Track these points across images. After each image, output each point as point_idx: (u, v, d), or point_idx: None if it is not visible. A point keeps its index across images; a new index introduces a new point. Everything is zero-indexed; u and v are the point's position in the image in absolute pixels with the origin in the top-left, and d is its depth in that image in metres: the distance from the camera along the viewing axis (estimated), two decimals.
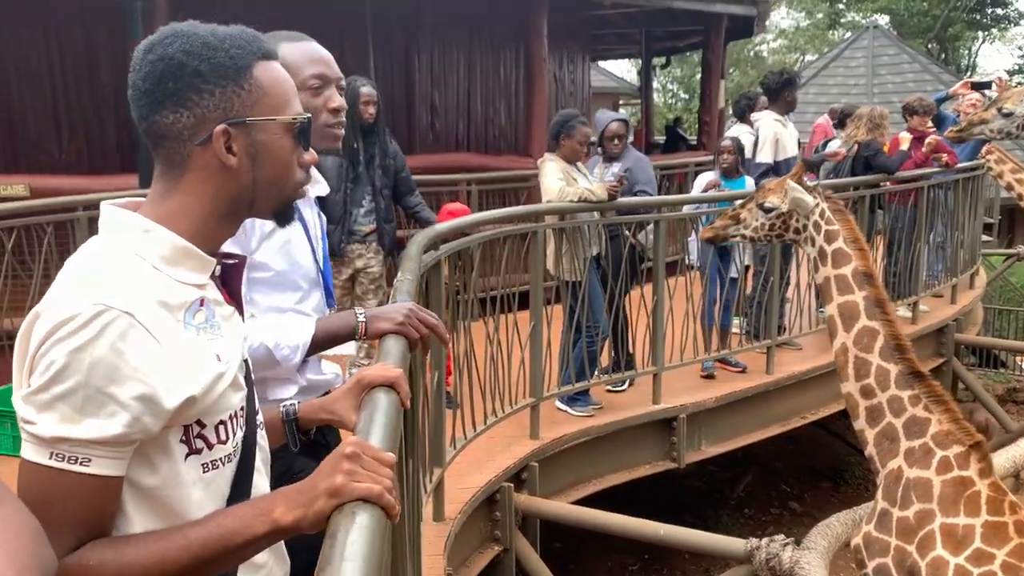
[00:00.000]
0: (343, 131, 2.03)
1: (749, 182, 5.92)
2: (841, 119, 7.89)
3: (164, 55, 1.17)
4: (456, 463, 4.18)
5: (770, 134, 6.13)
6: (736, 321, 6.08)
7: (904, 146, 6.50)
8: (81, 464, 1.05)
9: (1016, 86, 6.95)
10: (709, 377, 5.74)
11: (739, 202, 3.91)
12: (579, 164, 5.09)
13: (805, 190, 3.57)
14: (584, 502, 4.81)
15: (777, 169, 6.11)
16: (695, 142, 12.43)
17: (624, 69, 26.43)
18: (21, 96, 7.24)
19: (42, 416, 1.04)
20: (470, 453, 4.33)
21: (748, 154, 6.33)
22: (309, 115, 1.30)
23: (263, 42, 1.26)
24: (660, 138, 16.00)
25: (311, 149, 1.30)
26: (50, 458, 1.04)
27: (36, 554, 0.80)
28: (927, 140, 6.77)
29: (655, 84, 24.75)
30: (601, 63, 22.11)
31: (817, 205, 3.55)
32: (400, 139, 8.91)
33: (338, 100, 1.98)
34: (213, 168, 1.20)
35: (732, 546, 3.94)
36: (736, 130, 6.58)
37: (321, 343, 1.84)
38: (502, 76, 9.98)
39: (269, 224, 1.87)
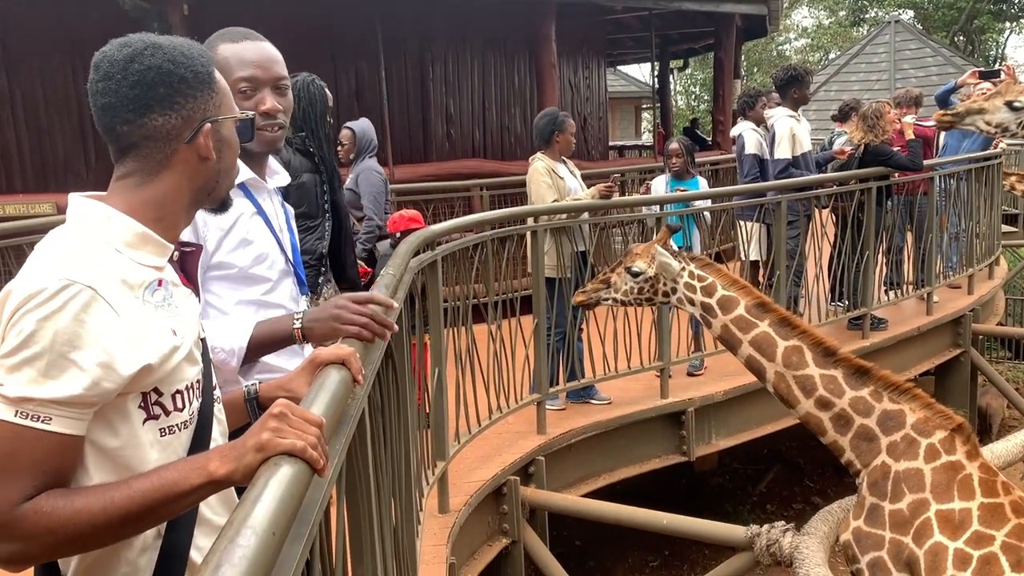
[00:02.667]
0: (280, 132, 2.07)
1: (702, 183, 6.01)
2: (842, 113, 7.89)
3: (152, 65, 1.34)
4: (463, 458, 4.30)
5: (786, 130, 6.16)
6: None
7: (909, 132, 6.49)
8: (43, 422, 1.18)
9: None
10: (693, 375, 5.80)
11: (611, 266, 3.94)
12: (567, 161, 5.24)
13: (671, 254, 3.64)
14: (599, 497, 4.88)
15: (796, 163, 6.16)
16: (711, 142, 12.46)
17: (646, 73, 26.41)
18: (49, 120, 7.54)
19: (10, 378, 1.18)
20: (477, 449, 4.44)
21: (752, 150, 6.38)
22: (253, 113, 1.53)
23: (209, 50, 1.48)
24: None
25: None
26: (15, 415, 1.18)
27: None
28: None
29: (677, 87, 24.68)
30: (621, 67, 22.16)
31: (683, 268, 3.62)
32: (415, 148, 9.13)
33: (269, 102, 2.02)
34: (193, 162, 1.39)
35: (733, 533, 3.99)
36: (740, 127, 6.63)
37: (261, 347, 1.87)
38: (516, 83, 10.11)
39: (226, 221, 1.94)
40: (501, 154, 9.83)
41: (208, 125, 1.38)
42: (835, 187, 6.30)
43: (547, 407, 4.87)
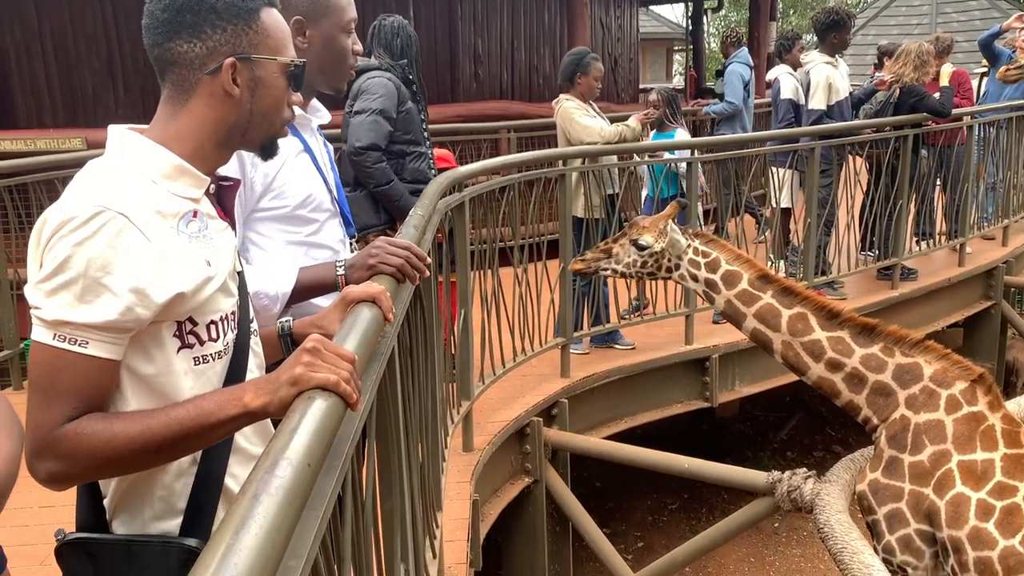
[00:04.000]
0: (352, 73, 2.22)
1: (680, 134, 5.80)
2: (880, 57, 7.68)
3: None
4: (488, 399, 4.35)
5: (822, 79, 5.98)
6: (779, 265, 6.07)
7: (944, 81, 6.32)
8: (80, 345, 1.21)
9: None
10: (718, 323, 5.76)
11: (612, 236, 3.87)
12: (592, 104, 5.16)
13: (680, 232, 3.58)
14: (620, 440, 4.92)
15: (831, 114, 6.02)
16: None
17: (679, 13, 25.83)
18: (79, 54, 7.53)
19: (47, 302, 1.21)
20: (501, 391, 4.49)
21: (788, 95, 6.25)
22: (304, 60, 1.49)
23: None
24: (711, 84, 15.69)
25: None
26: (54, 339, 1.21)
27: (17, 422, 0.94)
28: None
29: (710, 29, 24.12)
30: (654, 7, 21.65)
31: (689, 245, 3.56)
32: (443, 89, 9.03)
33: (359, 44, 2.19)
34: (217, 96, 1.37)
35: (754, 479, 4.02)
36: (776, 71, 6.49)
37: (303, 293, 1.90)
38: (546, 22, 9.93)
39: (277, 161, 1.95)
40: (529, 95, 9.71)
41: (232, 60, 1.35)
42: (870, 133, 6.16)
43: (571, 351, 4.89)
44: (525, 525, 4.46)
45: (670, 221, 3.60)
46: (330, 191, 2.12)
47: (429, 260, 1.95)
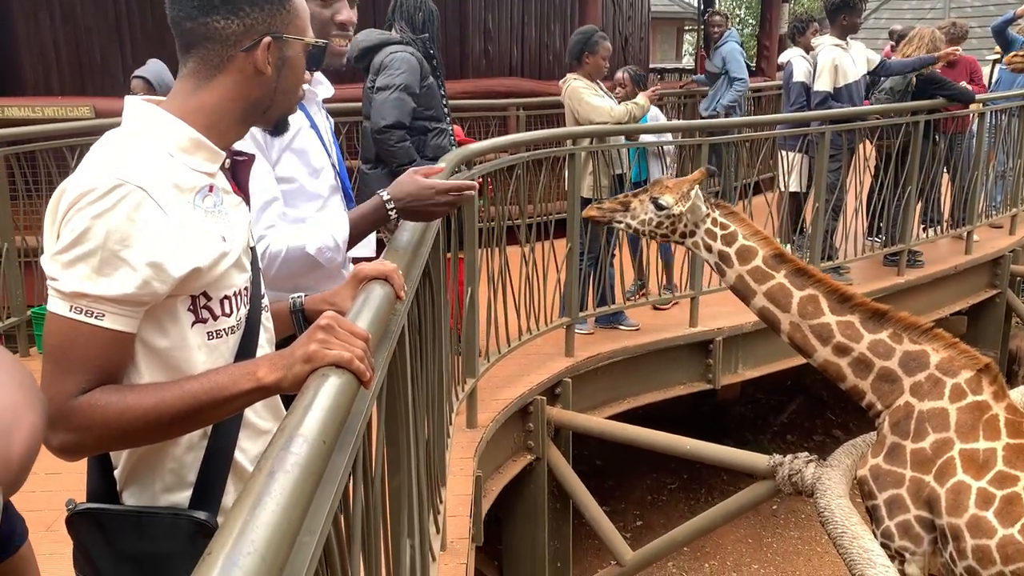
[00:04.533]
0: (347, 46, 2.10)
1: (652, 114, 5.68)
2: (897, 41, 7.61)
3: None
4: (492, 377, 4.36)
5: (828, 61, 5.95)
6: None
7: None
8: (96, 317, 1.22)
9: None
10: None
11: (632, 191, 3.83)
12: (600, 84, 5.12)
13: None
14: (622, 420, 4.94)
15: (838, 96, 5.97)
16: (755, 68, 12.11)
17: None
18: (86, 21, 7.48)
19: (65, 273, 1.21)
20: (505, 369, 4.51)
21: (800, 78, 6.21)
22: (326, 42, 1.54)
23: None
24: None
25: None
26: (70, 311, 1.22)
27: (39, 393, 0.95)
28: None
29: (723, 9, 23.88)
30: None
31: (708, 215, 3.53)
32: (452, 64, 8.96)
33: (346, 13, 2.03)
34: (248, 73, 1.38)
35: (756, 462, 4.03)
36: (789, 53, 6.44)
37: (358, 235, 1.95)
38: None
39: (288, 135, 1.97)
40: (539, 73, 9.62)
41: (269, 39, 1.37)
42: (881, 119, 6.12)
43: (576, 331, 4.89)
44: (526, 501, 4.49)
45: (696, 186, 3.57)
46: (333, 166, 2.12)
47: (475, 186, 2.03)
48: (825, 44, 6.03)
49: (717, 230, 3.52)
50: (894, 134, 6.05)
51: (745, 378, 5.67)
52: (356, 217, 1.94)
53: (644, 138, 5.44)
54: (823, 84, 5.96)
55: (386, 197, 1.92)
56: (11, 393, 0.81)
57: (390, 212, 1.91)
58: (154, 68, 5.24)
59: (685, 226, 3.58)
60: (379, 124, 3.64)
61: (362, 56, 3.85)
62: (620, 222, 3.69)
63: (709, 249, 3.55)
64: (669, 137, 5.75)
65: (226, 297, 1.36)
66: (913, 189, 6.17)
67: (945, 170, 6.88)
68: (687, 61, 24.77)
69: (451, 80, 8.49)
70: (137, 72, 5.20)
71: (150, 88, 5.15)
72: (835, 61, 5.95)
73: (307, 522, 0.93)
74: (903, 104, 6.10)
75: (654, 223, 3.61)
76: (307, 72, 1.50)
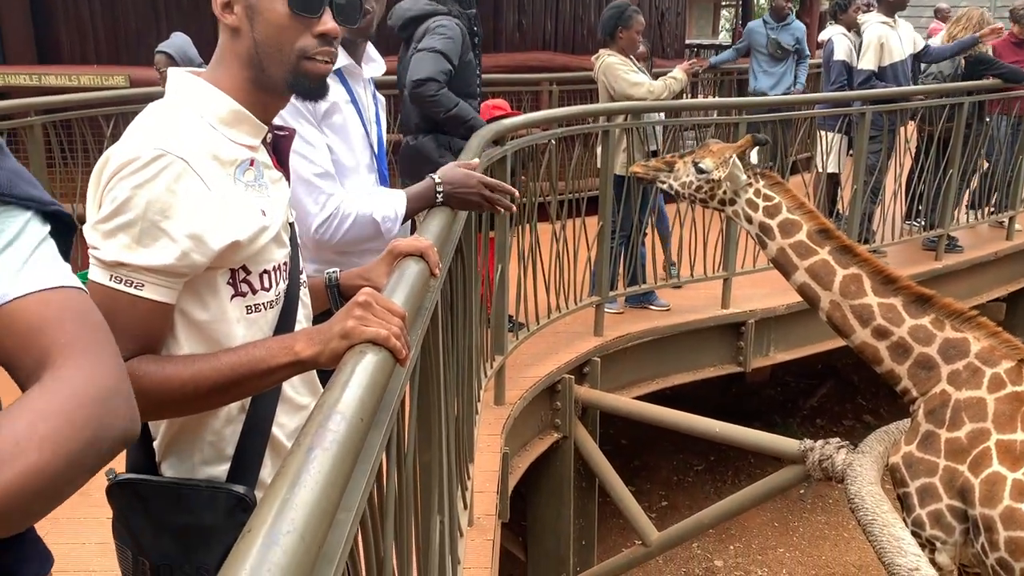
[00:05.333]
0: (371, 18, 2.07)
1: None
2: (943, 19, 7.43)
3: None
4: (520, 355, 4.35)
5: (874, 38, 5.81)
6: None
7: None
8: (135, 287, 1.22)
9: None
10: None
11: (679, 152, 3.79)
12: (634, 59, 5.04)
13: (744, 168, 3.48)
14: (649, 400, 4.93)
15: (883, 75, 5.84)
16: None
17: None
18: None
19: (106, 243, 1.22)
20: (534, 347, 4.49)
21: (841, 56, 6.08)
22: None
23: None
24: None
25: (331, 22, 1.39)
26: (110, 280, 1.22)
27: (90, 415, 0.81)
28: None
29: None
30: None
31: (750, 184, 3.46)
32: (486, 39, 8.86)
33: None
34: (229, 32, 1.37)
35: (786, 446, 4.00)
36: (830, 31, 6.31)
37: (409, 212, 1.99)
38: None
39: (322, 106, 1.95)
40: (572, 47, 9.51)
41: None
42: (925, 100, 5.98)
43: (606, 310, 4.86)
44: (552, 479, 4.50)
45: (734, 154, 3.51)
46: (371, 145, 2.10)
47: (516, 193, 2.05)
48: (872, 21, 5.89)
49: (759, 201, 3.45)
50: (939, 116, 5.92)
51: (777, 361, 5.61)
52: (410, 195, 1.96)
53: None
54: (868, 62, 5.83)
55: (438, 180, 1.94)
56: (27, 427, 0.75)
57: (438, 195, 1.93)
58: (177, 42, 5.20)
59: (724, 193, 3.53)
60: (411, 80, 3.49)
61: (406, 26, 3.76)
62: (664, 182, 3.70)
63: (749, 220, 3.49)
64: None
65: (265, 272, 1.36)
66: (955, 172, 6.04)
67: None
68: (723, 37, 24.39)
69: (485, 54, 8.42)
70: (160, 47, 5.16)
71: (172, 62, 5.11)
72: (881, 39, 5.81)
73: (344, 500, 0.92)
74: (957, 84, 5.94)
75: (693, 186, 3.59)
76: (332, 24, 1.38)
